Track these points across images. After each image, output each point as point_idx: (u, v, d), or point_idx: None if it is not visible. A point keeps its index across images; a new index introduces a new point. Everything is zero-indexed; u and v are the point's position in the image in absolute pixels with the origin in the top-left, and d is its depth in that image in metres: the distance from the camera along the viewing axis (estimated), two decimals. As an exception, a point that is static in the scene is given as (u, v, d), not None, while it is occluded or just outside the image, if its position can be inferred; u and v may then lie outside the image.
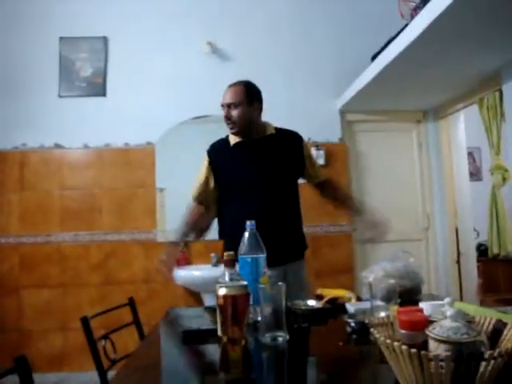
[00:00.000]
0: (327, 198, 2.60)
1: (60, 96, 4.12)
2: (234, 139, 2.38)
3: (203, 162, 2.46)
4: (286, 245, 2.29)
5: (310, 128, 4.18)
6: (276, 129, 2.45)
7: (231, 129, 2.32)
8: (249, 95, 2.34)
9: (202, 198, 2.46)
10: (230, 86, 2.36)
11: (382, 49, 3.33)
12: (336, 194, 2.58)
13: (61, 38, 4.13)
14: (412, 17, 2.88)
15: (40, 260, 3.95)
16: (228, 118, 2.29)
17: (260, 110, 2.41)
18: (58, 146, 4.08)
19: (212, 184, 2.41)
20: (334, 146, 4.21)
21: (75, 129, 4.09)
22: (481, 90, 3.60)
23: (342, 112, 4.27)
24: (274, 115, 4.18)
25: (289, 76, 4.24)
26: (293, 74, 4.24)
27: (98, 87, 4.13)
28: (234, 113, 2.28)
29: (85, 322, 1.65)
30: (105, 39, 4.17)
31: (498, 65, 3.19)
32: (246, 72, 4.21)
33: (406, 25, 2.90)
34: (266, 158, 2.33)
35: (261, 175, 2.31)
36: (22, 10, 4.15)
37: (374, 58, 3.52)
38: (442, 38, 2.69)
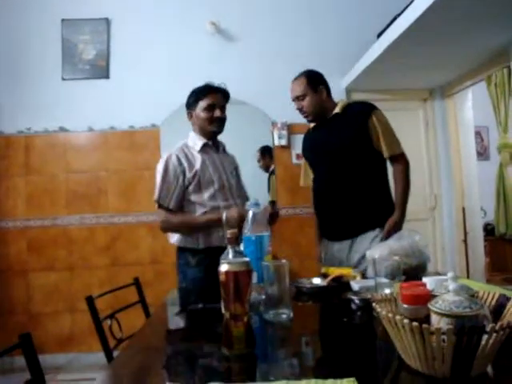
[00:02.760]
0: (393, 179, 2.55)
1: (63, 79, 4.10)
2: (312, 124, 2.62)
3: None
4: (351, 219, 2.41)
5: (316, 108, 4.15)
6: (346, 106, 2.50)
7: (306, 118, 2.53)
8: (311, 83, 2.50)
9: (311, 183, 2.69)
10: (293, 80, 2.58)
11: (388, 26, 3.28)
12: (394, 183, 2.53)
13: (63, 20, 4.10)
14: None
15: (47, 243, 3.98)
16: (300, 109, 2.51)
17: (327, 91, 2.54)
18: (62, 129, 4.07)
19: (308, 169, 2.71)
20: (340, 126, 4.17)
21: (79, 112, 4.07)
22: (489, 66, 3.55)
23: (348, 91, 4.22)
24: (279, 95, 4.17)
25: (293, 56, 4.18)
26: (297, 54, 4.18)
27: (101, 70, 4.11)
28: (304, 104, 2.47)
29: (90, 301, 1.66)
30: (107, 21, 4.13)
31: (507, 41, 3.13)
32: (250, 52, 4.20)
33: (412, 1, 2.85)
34: (330, 138, 2.47)
35: (326, 154, 2.48)
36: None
37: (379, 35, 3.48)
38: (449, 13, 2.64)
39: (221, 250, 2.09)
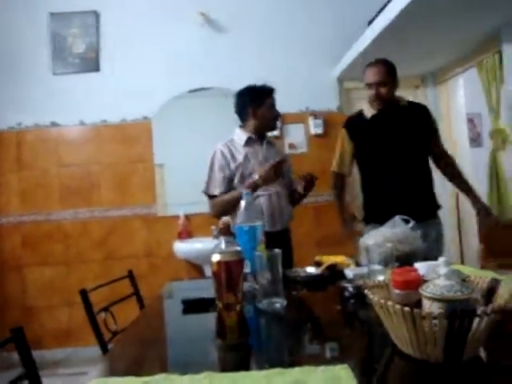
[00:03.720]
0: (445, 175, 2.79)
1: (54, 73, 4.06)
2: (370, 112, 2.63)
3: (341, 137, 2.78)
4: (417, 204, 2.50)
5: (308, 97, 4.15)
6: (408, 102, 2.68)
7: (379, 105, 2.56)
8: (391, 72, 2.55)
9: (347, 171, 2.80)
10: (373, 65, 2.56)
11: (378, 13, 3.26)
12: (455, 179, 2.76)
13: (51, 14, 4.06)
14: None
15: (41, 238, 3.97)
16: (379, 95, 2.52)
17: (398, 84, 2.62)
18: (54, 124, 4.05)
19: (352, 156, 2.72)
20: (332, 115, 4.16)
21: (71, 106, 4.05)
22: (480, 52, 3.54)
23: (340, 80, 4.21)
24: (271, 84, 4.14)
25: (284, 45, 4.17)
26: (288, 43, 4.17)
27: (91, 63, 4.07)
28: (383, 91, 2.51)
29: (83, 294, 1.66)
30: (96, 13, 4.09)
31: (497, 26, 3.13)
32: (241, 42, 4.18)
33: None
34: (402, 128, 2.55)
35: (400, 144, 2.54)
36: (11, -15, 4.07)
37: (370, 23, 3.46)
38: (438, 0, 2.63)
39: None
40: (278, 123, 3.00)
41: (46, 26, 4.07)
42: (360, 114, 2.71)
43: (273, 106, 2.57)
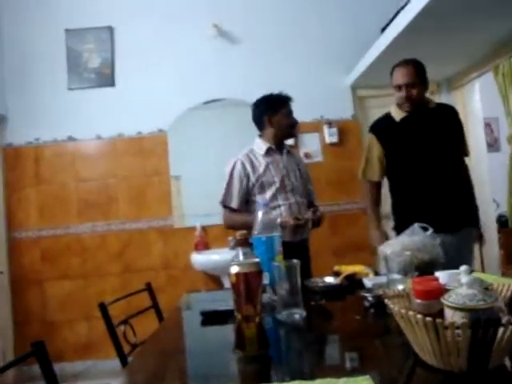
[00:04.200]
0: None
1: (69, 88, 4.12)
2: (399, 114, 2.54)
3: (368, 141, 2.65)
4: (457, 211, 2.44)
5: (322, 106, 4.15)
6: (436, 103, 2.60)
7: (408, 107, 2.47)
8: (420, 73, 2.45)
9: (377, 176, 2.64)
10: (401, 65, 2.47)
11: (391, 20, 3.26)
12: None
13: (66, 30, 4.12)
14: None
15: (60, 252, 4.00)
16: (409, 97, 2.43)
17: (428, 85, 2.53)
18: (71, 138, 4.10)
19: (383, 161, 2.58)
20: (347, 123, 4.16)
21: (87, 120, 4.10)
22: (495, 57, 3.51)
23: (353, 88, 4.21)
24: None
25: (297, 54, 4.18)
26: (301, 52, 4.18)
27: (106, 77, 4.13)
28: (413, 92, 2.42)
29: (102, 307, 1.67)
30: (110, 29, 4.15)
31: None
32: (254, 53, 4.20)
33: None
34: (434, 131, 2.46)
35: (432, 147, 2.44)
36: (27, 3, 4.15)
37: (383, 30, 3.45)
38: (452, 4, 2.62)
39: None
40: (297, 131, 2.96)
41: (62, 42, 4.14)
42: (387, 116, 2.61)
43: (289, 113, 2.57)
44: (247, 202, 2.51)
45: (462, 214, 2.46)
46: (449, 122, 2.52)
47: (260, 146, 2.58)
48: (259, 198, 2.43)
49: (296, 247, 2.37)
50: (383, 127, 2.60)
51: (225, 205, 2.52)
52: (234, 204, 2.48)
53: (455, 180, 2.47)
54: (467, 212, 2.51)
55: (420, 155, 2.45)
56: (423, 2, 2.60)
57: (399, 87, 2.45)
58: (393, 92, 3.23)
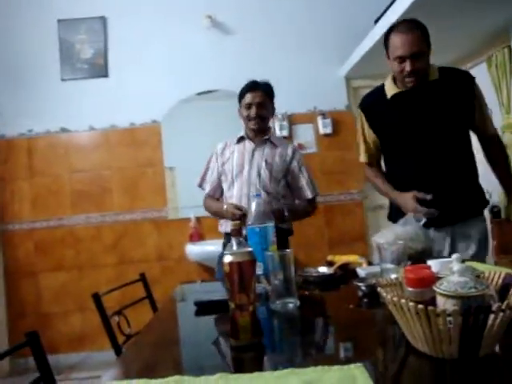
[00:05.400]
0: (488, 162, 2.22)
1: (62, 79, 4.10)
2: (391, 89, 2.13)
3: (358, 119, 2.32)
4: (460, 202, 2.08)
5: (316, 97, 4.14)
6: (440, 71, 2.08)
7: (413, 82, 2.01)
8: (427, 39, 2.00)
9: (374, 159, 2.33)
10: (404, 31, 1.98)
11: (385, 11, 3.25)
12: (495, 167, 2.21)
13: (59, 21, 4.09)
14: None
15: (54, 244, 4.00)
16: (416, 71, 1.97)
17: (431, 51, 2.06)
18: (64, 129, 4.08)
19: (376, 141, 2.25)
20: (341, 114, 4.15)
21: (80, 111, 4.08)
22: (489, 47, 3.51)
23: (348, 79, 4.20)
24: (278, 85, 4.14)
25: (291, 45, 4.17)
26: (295, 43, 4.17)
27: (99, 68, 4.11)
28: (419, 64, 1.97)
29: (96, 298, 1.67)
30: (103, 19, 4.12)
31: (506, 20, 3.10)
32: (248, 44, 4.18)
33: (409, -16, 2.82)
34: (430, 109, 2.04)
35: (427, 127, 2.06)
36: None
37: (377, 21, 3.44)
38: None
39: None
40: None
41: (55, 32, 4.11)
42: (379, 91, 2.21)
43: (248, 105, 2.43)
44: (219, 189, 2.57)
45: (465, 202, 2.11)
46: (454, 95, 2.05)
47: (239, 133, 2.57)
48: (224, 186, 2.51)
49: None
50: (373, 104, 2.23)
51: (201, 188, 2.62)
52: (207, 189, 2.56)
53: (457, 167, 2.10)
54: (471, 200, 2.14)
55: (413, 138, 2.09)
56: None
57: (401, 59, 1.97)
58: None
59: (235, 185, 2.43)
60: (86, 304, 3.86)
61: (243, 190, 2.41)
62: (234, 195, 2.42)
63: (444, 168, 2.08)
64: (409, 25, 1.99)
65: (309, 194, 2.52)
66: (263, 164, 2.44)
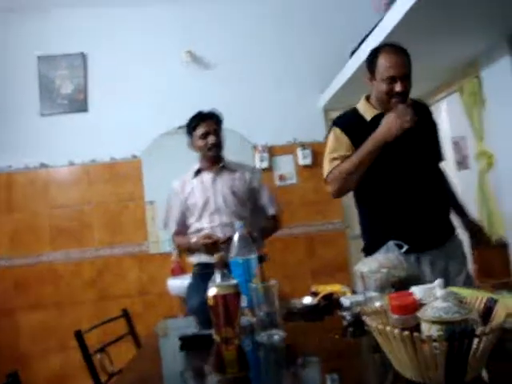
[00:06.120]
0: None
1: (42, 115, 4.10)
2: (370, 112, 2.08)
3: (334, 139, 2.09)
4: (441, 224, 2.09)
5: (296, 128, 4.21)
6: (411, 99, 2.10)
7: (399, 102, 1.96)
8: (411, 64, 2.03)
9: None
10: (396, 53, 1.99)
11: (360, 44, 3.35)
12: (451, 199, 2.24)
13: (39, 57, 4.11)
14: (386, 10, 2.89)
15: (33, 281, 3.92)
16: (404, 92, 1.97)
17: None
18: (43, 165, 4.06)
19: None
20: (320, 145, 4.17)
21: (59, 146, 4.06)
22: (461, 77, 3.63)
23: (326, 110, 4.28)
24: (259, 117, 4.22)
25: (270, 78, 4.25)
26: (274, 76, 4.25)
27: (79, 103, 4.12)
28: (408, 86, 1.99)
29: (78, 335, 1.64)
30: (83, 55, 4.16)
31: (476, 52, 3.22)
32: (227, 78, 4.24)
33: (381, 19, 2.92)
34: (411, 132, 1.95)
35: (410, 148, 2.02)
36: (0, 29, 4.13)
37: (352, 53, 3.54)
38: (418, 29, 2.70)
39: (210, 265, 2.18)
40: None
41: (34, 68, 4.12)
42: (354, 113, 2.14)
43: (205, 134, 2.46)
44: (185, 225, 2.55)
45: (444, 226, 2.12)
46: (425, 123, 2.11)
47: (194, 167, 2.59)
48: (191, 220, 2.49)
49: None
50: (353, 125, 2.09)
51: (166, 229, 2.64)
52: (172, 228, 2.55)
53: (436, 190, 2.10)
54: (449, 223, 2.15)
55: (395, 162, 2.02)
56: (388, 27, 2.69)
57: (391, 79, 1.95)
58: None
59: (204, 217, 2.45)
60: (66, 342, 3.77)
61: (214, 221, 2.43)
62: (204, 227, 2.43)
63: (427, 189, 2.07)
64: (398, 47, 2.03)
65: (272, 211, 2.59)
66: (227, 191, 2.49)
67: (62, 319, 3.89)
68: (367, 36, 3.17)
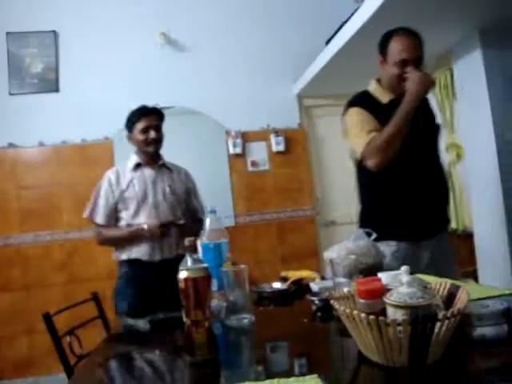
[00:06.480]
0: None
1: (11, 94, 3.99)
2: (386, 96, 2.05)
3: (357, 115, 2.01)
4: (444, 213, 2.14)
5: (269, 115, 4.21)
6: None
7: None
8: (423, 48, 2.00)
9: None
10: (409, 36, 1.96)
11: (335, 33, 3.36)
12: None
13: (8, 34, 3.99)
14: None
15: (1, 263, 3.84)
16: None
17: None
18: (11, 145, 3.96)
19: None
20: (293, 132, 4.24)
21: (29, 127, 3.97)
22: (433, 70, 3.68)
23: (300, 97, 4.30)
24: (232, 103, 4.21)
25: (245, 64, 4.23)
26: (249, 62, 4.24)
27: (50, 83, 4.03)
28: (420, 70, 1.94)
29: (47, 318, 1.63)
30: (55, 33, 4.05)
31: (448, 44, 3.26)
32: (202, 62, 4.21)
33: (357, 8, 2.93)
34: (424, 116, 2.03)
35: (423, 134, 2.03)
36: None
37: (328, 42, 3.55)
38: (393, 19, 2.69)
39: (141, 263, 2.33)
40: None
41: (3, 45, 4.00)
42: (368, 95, 2.11)
43: (145, 129, 2.45)
44: (113, 219, 2.47)
45: (444, 216, 2.17)
46: (430, 109, 2.18)
47: (131, 160, 2.54)
48: (124, 214, 2.44)
49: (158, 267, 2.40)
50: (370, 106, 2.03)
51: (91, 220, 2.51)
52: (100, 220, 2.45)
53: (442, 178, 2.13)
54: (446, 213, 2.19)
55: (414, 149, 1.99)
56: (365, 16, 2.71)
57: (404, 62, 1.93)
58: (338, 102, 3.17)
59: (141, 212, 2.42)
60: (34, 326, 3.73)
61: (151, 217, 2.41)
62: (141, 222, 2.39)
63: (433, 176, 2.08)
64: (411, 31, 1.99)
65: (200, 215, 2.64)
66: (167, 189, 2.51)
67: (30, 302, 3.83)
68: (343, 25, 3.18)
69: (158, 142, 2.50)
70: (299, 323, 1.43)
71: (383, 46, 2.03)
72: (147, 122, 2.45)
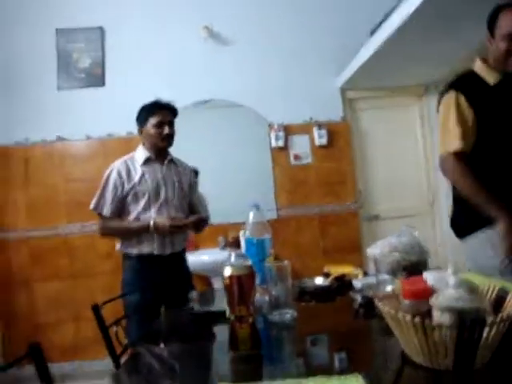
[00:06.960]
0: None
1: (59, 88, 4.11)
2: (492, 76, 1.95)
3: (457, 106, 1.93)
4: None
5: (312, 108, 4.18)
6: None
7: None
8: None
9: (469, 148, 1.92)
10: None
11: (380, 23, 3.29)
12: None
13: (57, 30, 4.11)
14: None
15: (49, 253, 3.99)
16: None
17: None
18: (60, 138, 4.09)
19: (475, 126, 1.91)
20: (337, 125, 4.19)
21: (76, 120, 4.08)
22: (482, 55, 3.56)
23: (343, 90, 4.25)
24: (275, 97, 4.20)
25: (288, 56, 4.21)
26: (292, 54, 4.21)
27: (96, 78, 4.12)
28: None
29: (95, 309, 1.68)
30: (101, 29, 4.15)
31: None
32: (244, 54, 4.22)
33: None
34: None
35: None
36: (18, 2, 4.13)
37: (372, 32, 3.49)
38: (442, 7, 2.65)
39: (151, 257, 2.30)
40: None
41: (52, 41, 4.12)
42: (474, 76, 2.00)
43: (159, 124, 2.44)
44: (119, 212, 2.44)
45: None
46: None
47: (140, 154, 2.50)
48: (133, 207, 2.41)
49: (167, 260, 2.42)
50: (476, 92, 1.94)
51: (97, 212, 2.48)
52: (107, 211, 2.41)
53: None
54: None
55: (508, 142, 1.91)
56: (413, 5, 2.63)
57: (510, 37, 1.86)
58: (382, 94, 3.13)
59: (152, 207, 2.40)
60: (81, 313, 3.86)
61: (162, 213, 2.40)
62: (152, 216, 2.38)
63: None
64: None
65: (204, 212, 2.68)
66: (176, 184, 2.52)
67: (77, 291, 3.96)
68: (388, 15, 3.11)
69: (171, 137, 2.49)
70: (342, 320, 1.43)
71: (491, 22, 1.95)
72: (161, 116, 2.45)
